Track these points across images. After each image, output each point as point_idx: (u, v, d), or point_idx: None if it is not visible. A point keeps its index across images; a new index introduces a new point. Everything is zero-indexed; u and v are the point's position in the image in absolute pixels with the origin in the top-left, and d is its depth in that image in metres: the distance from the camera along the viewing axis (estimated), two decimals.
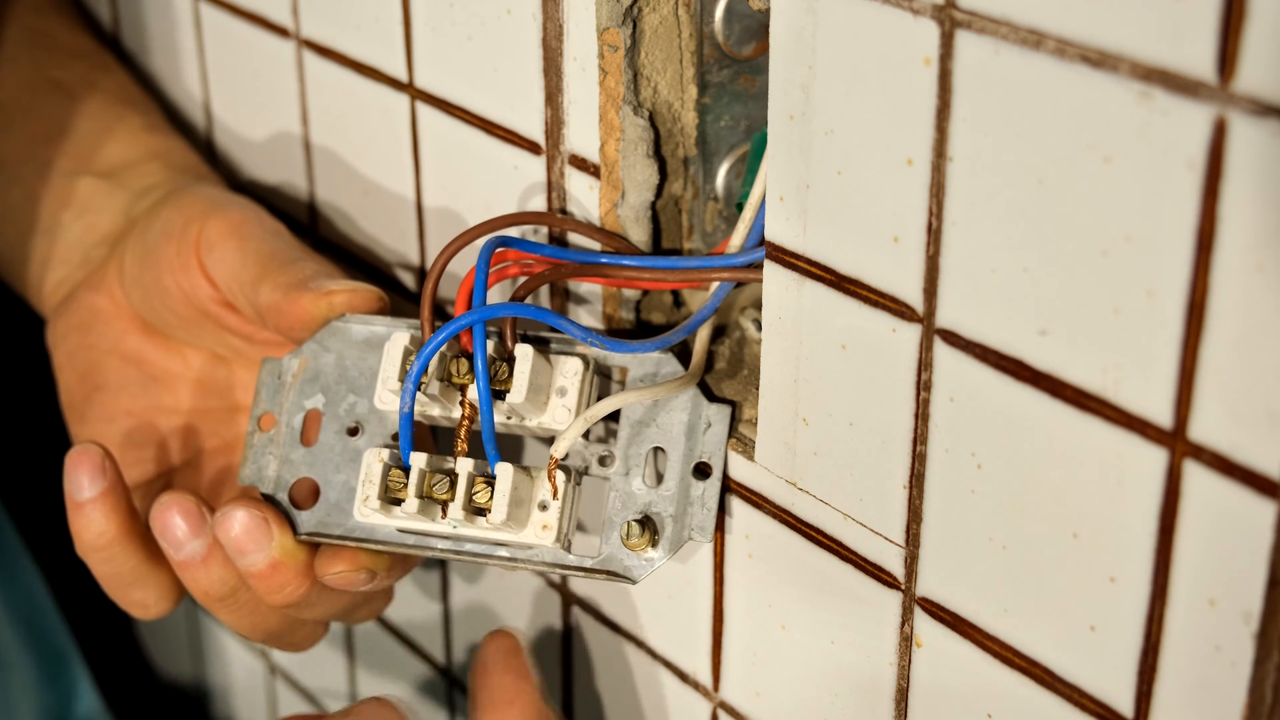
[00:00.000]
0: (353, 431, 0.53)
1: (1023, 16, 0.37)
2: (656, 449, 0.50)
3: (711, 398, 0.50)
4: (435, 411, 0.50)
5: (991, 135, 0.39)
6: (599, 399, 0.50)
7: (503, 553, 0.50)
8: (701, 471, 0.49)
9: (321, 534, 0.52)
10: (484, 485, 0.49)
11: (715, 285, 0.49)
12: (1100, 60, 0.36)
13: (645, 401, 0.49)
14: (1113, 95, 0.36)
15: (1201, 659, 0.38)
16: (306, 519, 0.53)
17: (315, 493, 0.53)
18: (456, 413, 0.50)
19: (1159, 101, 0.35)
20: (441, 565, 0.66)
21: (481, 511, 0.49)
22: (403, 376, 0.50)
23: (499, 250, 0.50)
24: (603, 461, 0.50)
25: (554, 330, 0.50)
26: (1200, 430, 0.37)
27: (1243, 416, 0.36)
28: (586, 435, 0.51)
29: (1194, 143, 0.35)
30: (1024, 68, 0.37)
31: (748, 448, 0.49)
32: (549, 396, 0.50)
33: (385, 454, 0.49)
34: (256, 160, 0.67)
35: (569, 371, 0.50)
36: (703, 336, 0.50)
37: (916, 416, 0.43)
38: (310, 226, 0.65)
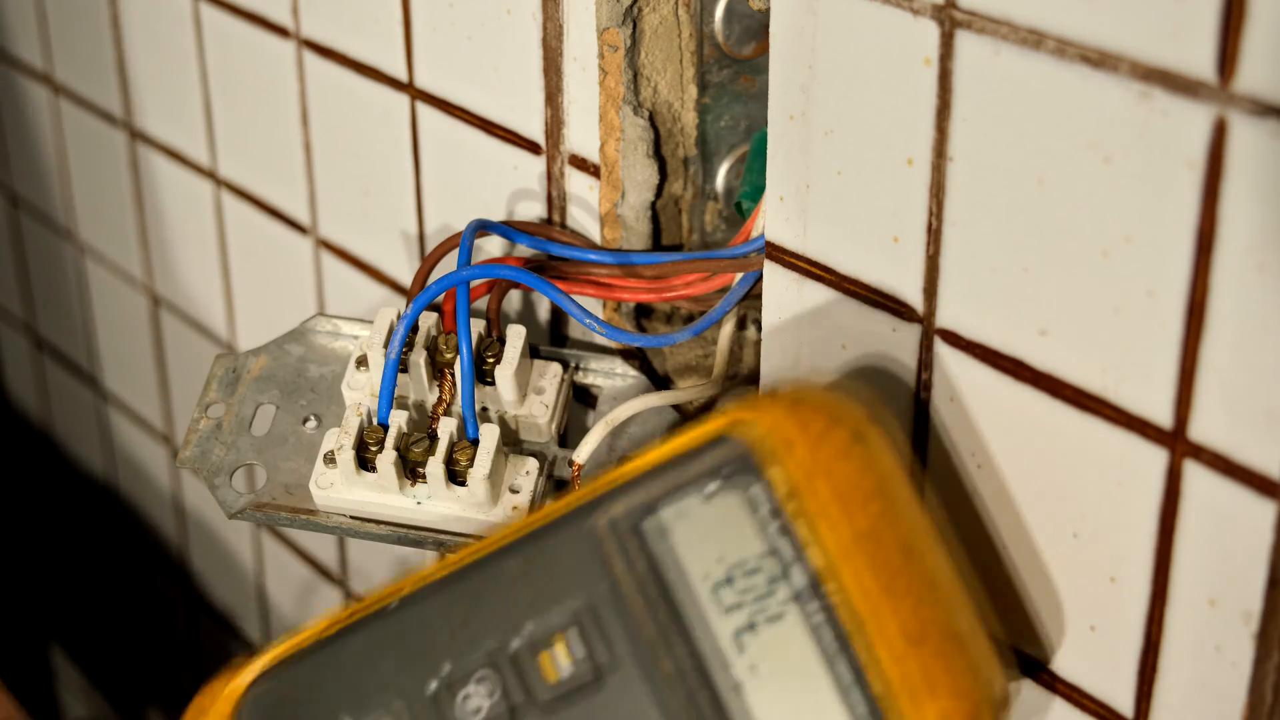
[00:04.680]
0: (309, 423, 0.52)
1: (1023, 16, 0.37)
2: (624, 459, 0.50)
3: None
4: (410, 396, 0.50)
5: (991, 135, 0.39)
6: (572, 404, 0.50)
7: (470, 530, 0.49)
8: None
9: (269, 505, 0.51)
10: (467, 446, 0.48)
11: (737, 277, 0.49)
12: (1100, 60, 0.36)
13: (659, 405, 0.49)
14: (1113, 95, 0.36)
15: (1201, 659, 0.38)
16: (245, 499, 0.51)
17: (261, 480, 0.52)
18: (433, 398, 0.50)
19: (1159, 101, 0.35)
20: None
21: (457, 478, 0.48)
22: (388, 344, 0.49)
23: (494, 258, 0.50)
24: (573, 465, 0.50)
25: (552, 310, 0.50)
26: (1200, 430, 0.37)
27: (1243, 416, 0.36)
28: (562, 442, 0.51)
29: (1194, 143, 0.35)
30: (1024, 68, 0.37)
31: None
32: (527, 394, 0.50)
33: (364, 409, 0.49)
34: (257, 160, 0.67)
35: (549, 374, 0.50)
36: (724, 342, 0.50)
37: (917, 417, 0.43)
38: (310, 226, 0.65)
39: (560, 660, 0.41)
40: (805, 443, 0.39)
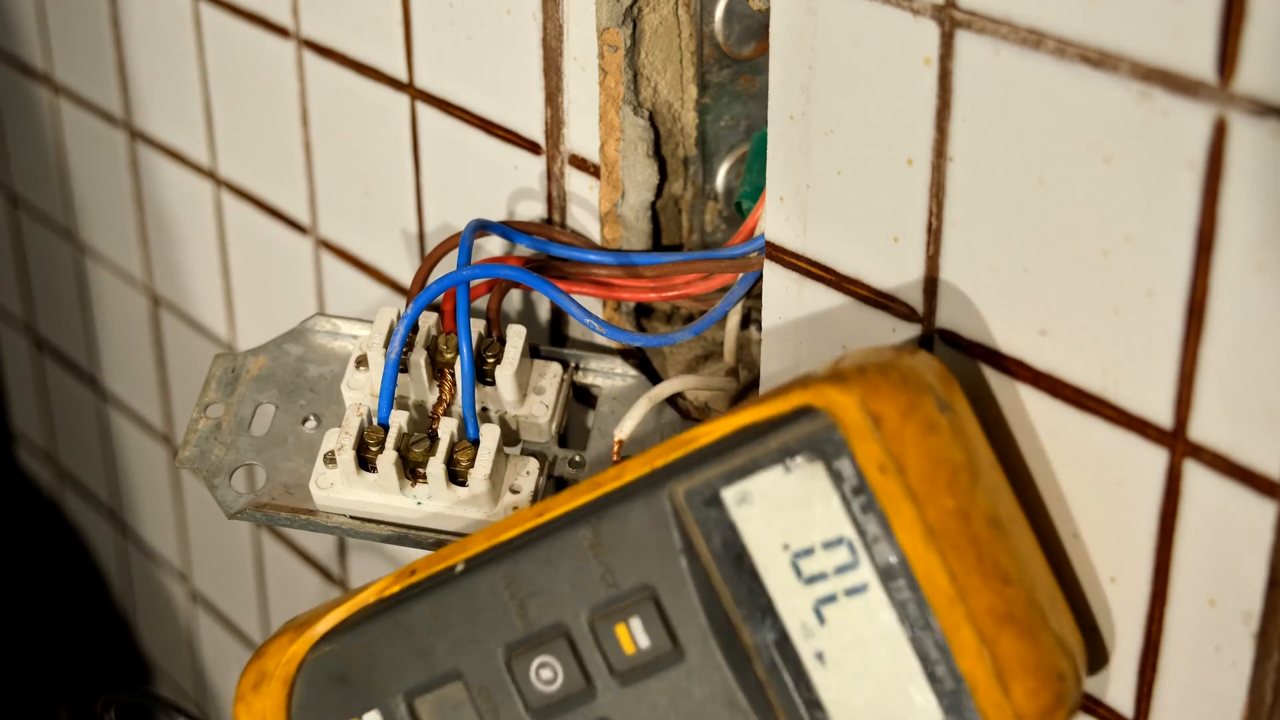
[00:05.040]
0: (308, 423, 0.52)
1: (1023, 16, 0.37)
2: (625, 458, 0.50)
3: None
4: (410, 397, 0.50)
5: (991, 135, 0.39)
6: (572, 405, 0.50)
7: (471, 531, 0.49)
8: None
9: (269, 505, 0.51)
10: (467, 446, 0.48)
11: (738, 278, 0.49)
12: (1100, 60, 0.36)
13: (697, 386, 0.50)
14: (1113, 95, 0.36)
15: (1201, 659, 0.38)
16: (245, 499, 0.51)
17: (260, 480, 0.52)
18: (433, 398, 0.50)
19: (1159, 101, 0.35)
20: None
21: (457, 478, 0.48)
22: (388, 345, 0.49)
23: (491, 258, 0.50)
24: (573, 464, 0.50)
25: (553, 309, 0.50)
26: (1200, 430, 0.37)
27: (1243, 416, 0.36)
28: (562, 442, 0.51)
29: (1194, 143, 0.35)
30: (1024, 68, 0.37)
31: None
32: (527, 394, 0.50)
33: (364, 409, 0.49)
34: (257, 160, 0.67)
35: (549, 374, 0.50)
36: (730, 340, 0.50)
37: None
38: (310, 226, 0.65)
39: (638, 632, 0.41)
40: (893, 418, 0.38)
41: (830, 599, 0.39)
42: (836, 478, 0.38)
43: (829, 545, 0.39)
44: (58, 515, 1.01)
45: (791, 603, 0.39)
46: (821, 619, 0.39)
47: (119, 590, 0.97)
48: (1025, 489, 0.41)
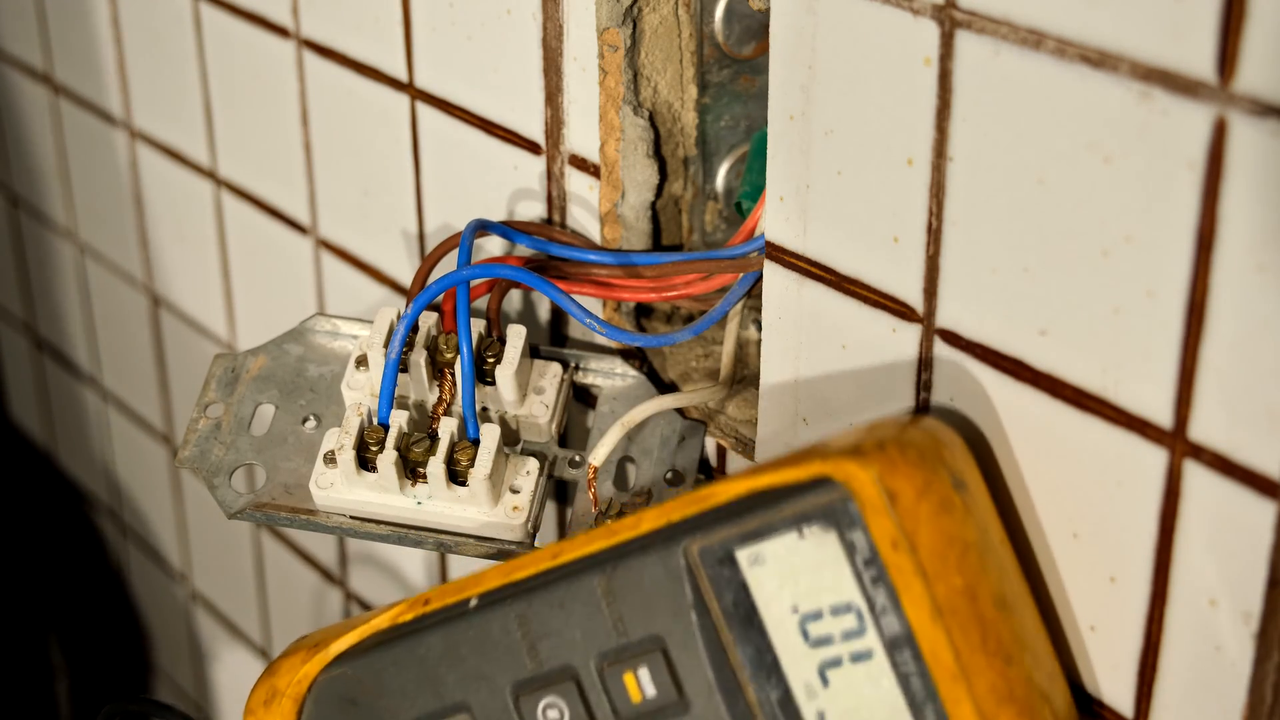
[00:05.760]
0: (308, 423, 0.52)
1: (1023, 16, 0.37)
2: (626, 459, 0.50)
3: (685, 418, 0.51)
4: (410, 397, 0.50)
5: (991, 135, 0.39)
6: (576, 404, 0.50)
7: (471, 530, 0.49)
8: (674, 480, 0.50)
9: (269, 505, 0.51)
10: (467, 446, 0.48)
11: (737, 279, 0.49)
12: (1100, 60, 0.36)
13: (672, 408, 0.50)
14: (1113, 95, 0.36)
15: (1201, 659, 0.38)
16: (245, 499, 0.51)
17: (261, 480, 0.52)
18: (433, 398, 0.50)
19: (1159, 101, 0.35)
20: (441, 556, 0.66)
21: (457, 477, 0.48)
22: (388, 345, 0.49)
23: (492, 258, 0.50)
24: (573, 464, 0.50)
25: (553, 308, 0.50)
26: (1200, 430, 0.37)
27: (1243, 416, 0.36)
28: (562, 442, 0.51)
29: (1194, 143, 0.35)
30: (1024, 68, 0.37)
31: (748, 448, 0.49)
32: (527, 394, 0.50)
33: (364, 409, 0.49)
34: (257, 160, 0.67)
35: (549, 374, 0.50)
36: (729, 344, 0.50)
37: None
38: (310, 226, 0.65)
39: (645, 681, 0.41)
40: (909, 495, 0.38)
41: (835, 662, 0.39)
42: (849, 548, 0.39)
43: (837, 611, 0.39)
44: (57, 515, 1.01)
45: (797, 663, 0.40)
46: (825, 681, 0.40)
47: (118, 591, 0.97)
48: (1024, 490, 0.41)
